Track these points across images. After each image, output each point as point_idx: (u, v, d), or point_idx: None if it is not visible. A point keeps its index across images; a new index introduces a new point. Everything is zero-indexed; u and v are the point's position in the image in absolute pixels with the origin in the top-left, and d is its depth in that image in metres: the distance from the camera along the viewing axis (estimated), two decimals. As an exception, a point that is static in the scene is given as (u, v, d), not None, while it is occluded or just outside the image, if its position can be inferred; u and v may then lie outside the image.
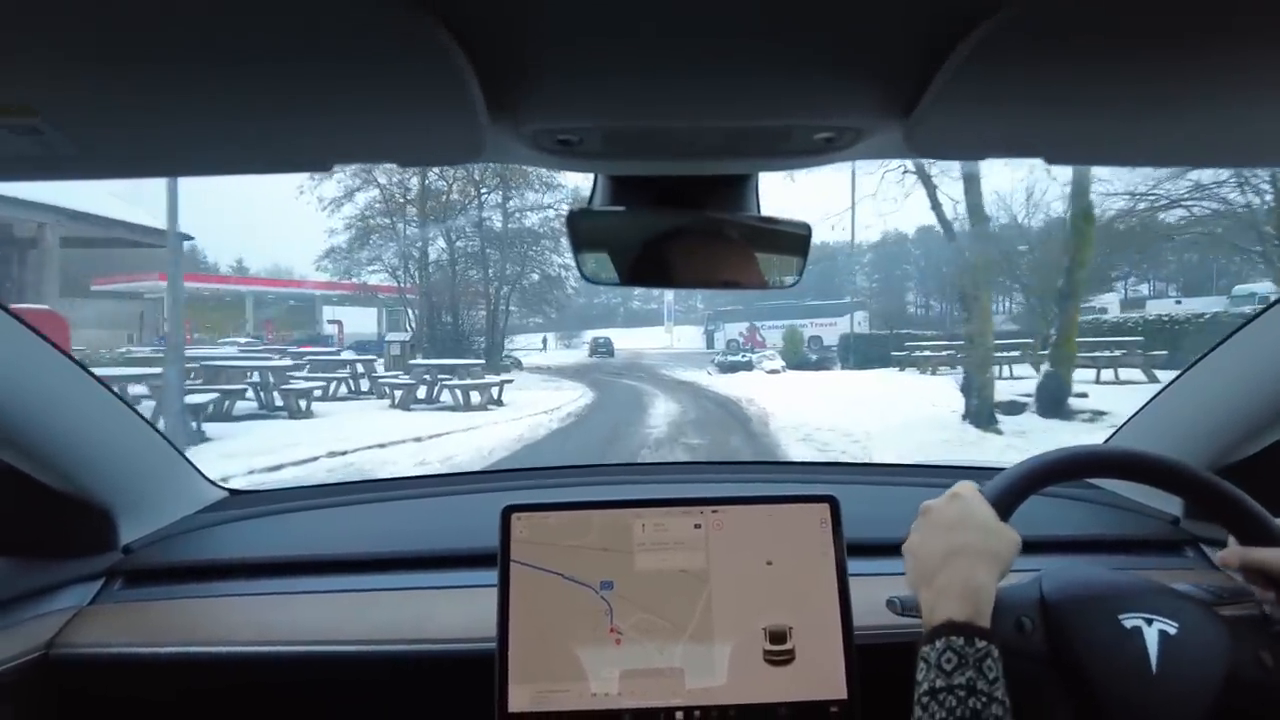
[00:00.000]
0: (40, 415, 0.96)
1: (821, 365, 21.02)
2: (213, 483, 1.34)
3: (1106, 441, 1.32)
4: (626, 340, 36.53)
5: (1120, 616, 0.70)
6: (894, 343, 19.79)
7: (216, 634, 0.98)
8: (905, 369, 17.24)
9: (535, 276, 19.49)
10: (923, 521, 0.75)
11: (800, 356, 22.25)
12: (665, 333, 38.99)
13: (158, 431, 1.19)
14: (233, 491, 1.36)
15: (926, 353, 16.92)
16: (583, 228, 0.82)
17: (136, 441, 1.16)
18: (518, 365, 19.06)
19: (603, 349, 30.25)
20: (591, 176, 0.80)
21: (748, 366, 20.36)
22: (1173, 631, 0.69)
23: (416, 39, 0.42)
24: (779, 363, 20.62)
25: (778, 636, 0.89)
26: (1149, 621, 0.70)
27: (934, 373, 15.35)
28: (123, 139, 0.57)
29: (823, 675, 0.86)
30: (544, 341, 32.42)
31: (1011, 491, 0.75)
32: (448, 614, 0.99)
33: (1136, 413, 1.26)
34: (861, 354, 20.37)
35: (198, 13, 0.39)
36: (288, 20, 0.40)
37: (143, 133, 0.56)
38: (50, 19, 0.39)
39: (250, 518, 1.29)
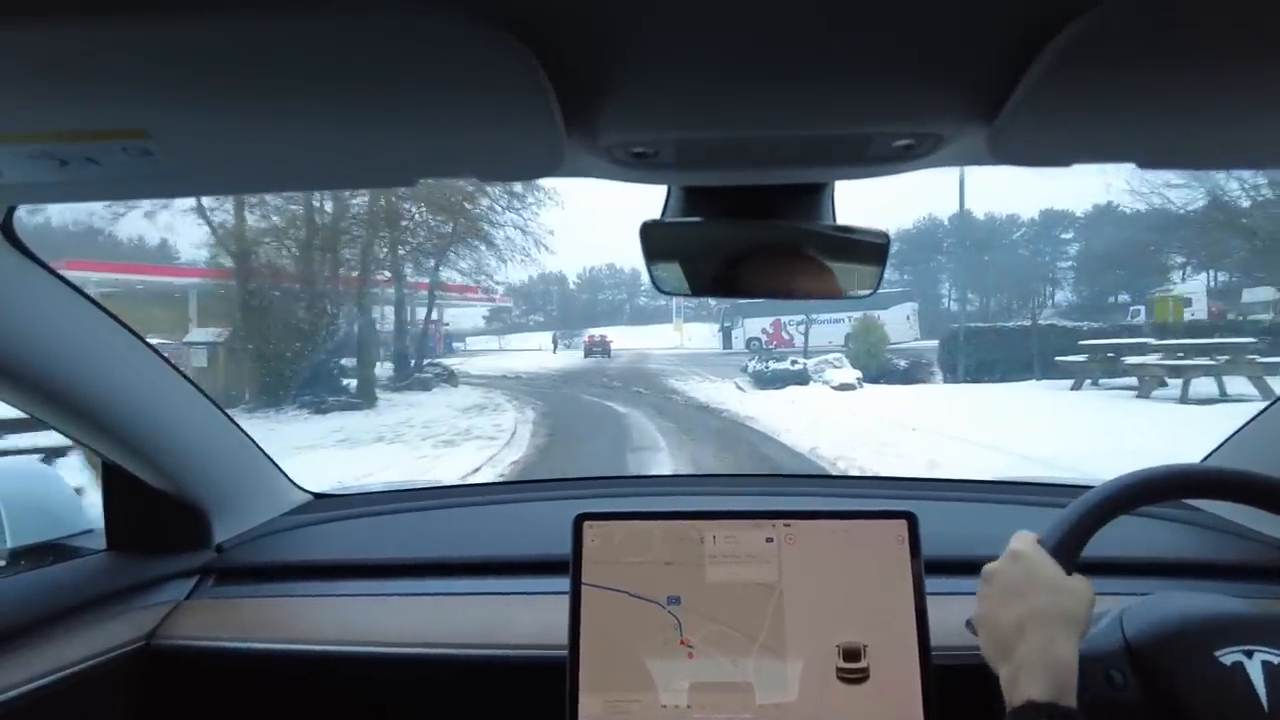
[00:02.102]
0: (144, 418, 0.99)
1: (914, 376, 14.92)
2: (298, 486, 1.35)
3: (1205, 460, 1.16)
4: (631, 339, 33.97)
5: (1217, 653, 0.64)
6: (1044, 340, 13.42)
7: (301, 632, 1.00)
8: (1080, 383, 11.15)
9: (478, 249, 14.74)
10: (987, 590, 0.69)
11: (880, 362, 15.63)
12: (674, 331, 36.13)
13: (247, 436, 1.21)
14: (317, 495, 1.37)
15: (1154, 359, 10.15)
16: (656, 238, 0.79)
17: (228, 444, 1.18)
18: (446, 379, 14.50)
19: (598, 349, 27.66)
20: (665, 188, 0.76)
21: (800, 378, 14.05)
22: (1277, 661, 0.63)
23: (499, 59, 0.43)
24: (851, 373, 13.94)
25: (852, 654, 0.83)
26: (1249, 654, 0.64)
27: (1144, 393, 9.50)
28: (223, 159, 0.58)
29: (898, 695, 0.80)
30: (554, 342, 31.53)
31: (1073, 534, 0.69)
32: (521, 620, 0.97)
33: (1239, 430, 1.13)
34: (978, 359, 14.20)
35: (297, 42, 0.41)
36: (378, 45, 0.42)
37: (242, 153, 0.57)
38: (162, 48, 0.41)
39: (333, 520, 1.29)
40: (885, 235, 0.78)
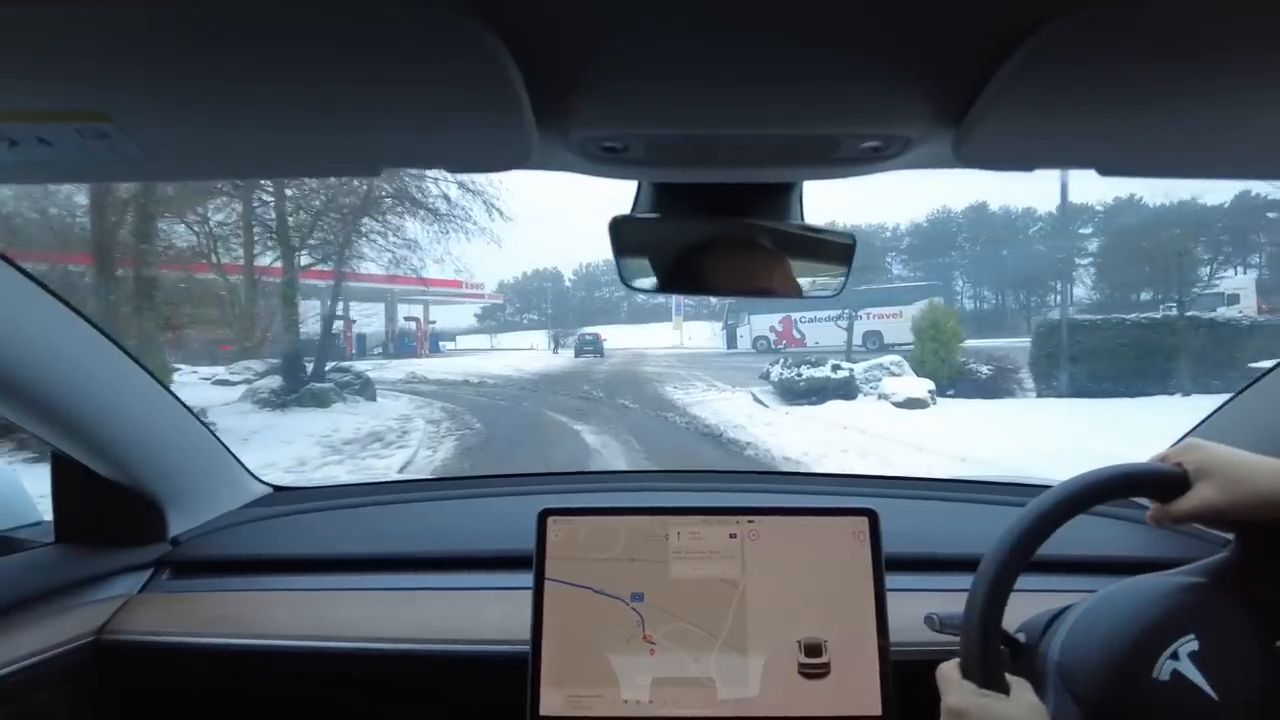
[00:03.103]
0: (97, 408, 0.98)
1: (992, 389, 10.70)
2: (258, 479, 1.34)
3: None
4: (628, 338, 31.81)
5: (1150, 673, 0.65)
6: (1189, 337, 9.68)
7: (258, 627, 1.00)
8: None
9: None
10: None
11: (954, 367, 11.40)
12: (674, 329, 34.38)
13: (206, 427, 1.20)
14: (277, 488, 1.36)
15: None
16: (625, 234, 0.79)
17: (185, 436, 1.16)
18: (358, 390, 10.91)
19: (589, 348, 25.52)
20: (635, 183, 0.78)
21: (845, 390, 10.36)
22: (1196, 646, 0.65)
23: (469, 47, 0.42)
24: (918, 383, 9.99)
25: (813, 649, 0.85)
26: (1176, 655, 0.65)
27: None
28: (185, 144, 0.57)
29: (858, 690, 0.83)
30: (554, 341, 30.09)
31: (986, 653, 0.66)
32: (483, 615, 0.98)
33: (1199, 424, 1.16)
34: (1091, 363, 10.28)
35: (263, 24, 0.40)
36: (346, 30, 0.41)
37: (205, 139, 0.57)
38: (126, 30, 0.41)
39: (293, 514, 1.28)
40: (851, 236, 0.80)
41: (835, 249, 0.81)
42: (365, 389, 10.76)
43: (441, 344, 31.92)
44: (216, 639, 0.98)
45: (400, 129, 0.55)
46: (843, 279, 0.82)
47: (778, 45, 0.45)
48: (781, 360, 11.66)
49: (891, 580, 0.87)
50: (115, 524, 1.10)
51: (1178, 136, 0.55)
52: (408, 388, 13.89)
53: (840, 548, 0.88)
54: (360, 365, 12.68)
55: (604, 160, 0.63)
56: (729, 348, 24.44)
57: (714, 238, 0.80)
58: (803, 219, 0.78)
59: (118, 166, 0.60)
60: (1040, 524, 0.68)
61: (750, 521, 0.89)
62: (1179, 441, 0.80)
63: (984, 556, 0.68)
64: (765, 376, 11.54)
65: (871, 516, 0.89)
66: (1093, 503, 0.70)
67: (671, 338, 31.54)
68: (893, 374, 9.90)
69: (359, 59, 0.44)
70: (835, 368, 10.48)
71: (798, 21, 0.43)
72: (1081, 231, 35.99)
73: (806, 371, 10.41)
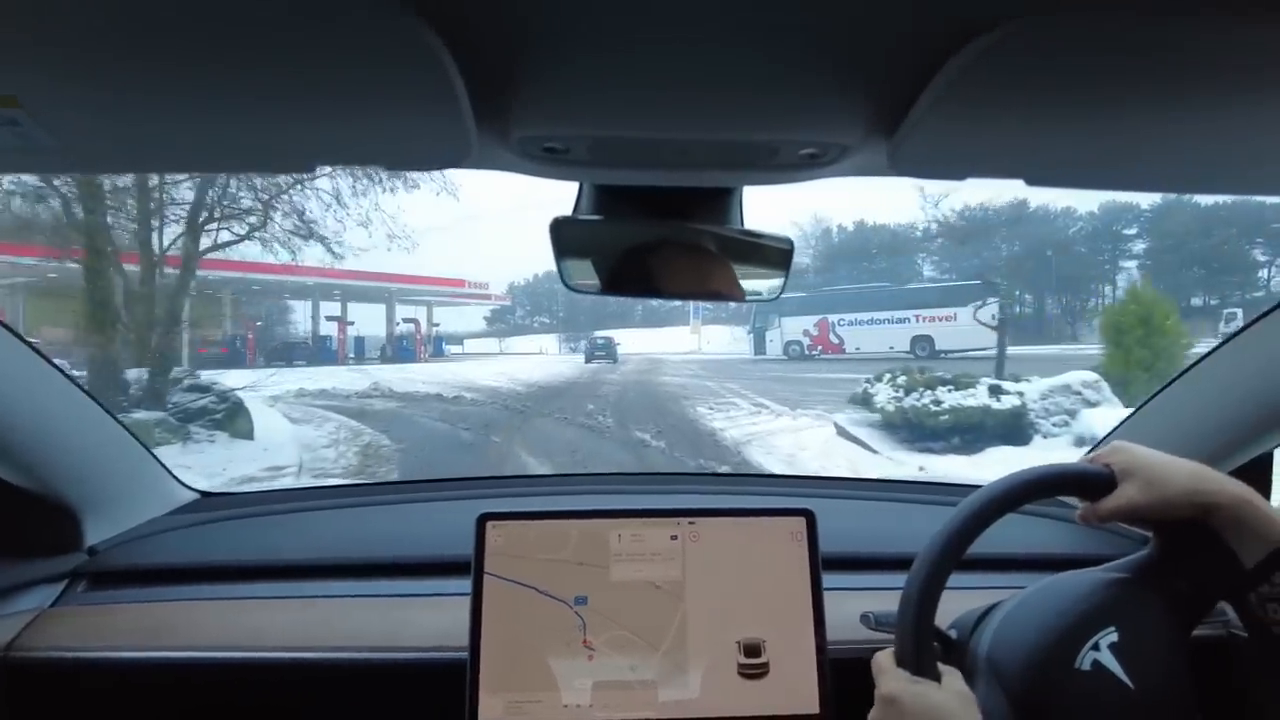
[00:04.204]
0: (3, 410, 0.95)
1: None
2: (184, 484, 1.31)
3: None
4: (642, 342, 29.17)
5: (1073, 664, 0.69)
6: None
7: (181, 639, 0.98)
8: None
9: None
10: None
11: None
12: (690, 333, 31.64)
13: (127, 430, 1.17)
14: (204, 494, 1.33)
15: None
16: (566, 235, 0.81)
17: (104, 439, 1.13)
18: (217, 420, 7.37)
19: (601, 352, 21.93)
20: (576, 185, 0.82)
21: (1013, 428, 6.51)
22: (1116, 637, 0.70)
23: (405, 42, 0.42)
24: None
25: (751, 650, 0.88)
26: (1095, 646, 0.69)
27: None
28: (102, 134, 0.56)
29: (796, 689, 0.87)
30: (561, 344, 30.76)
31: (919, 647, 0.70)
32: (420, 622, 0.99)
33: (1122, 422, 1.22)
34: None
35: (188, 11, 0.40)
36: (272, 18, 0.40)
37: (123, 129, 0.55)
38: (35, 11, 0.39)
39: (220, 520, 1.25)
40: (789, 241, 0.84)
41: (774, 253, 0.84)
42: (233, 419, 6.67)
43: (447, 348, 30.39)
44: (135, 652, 0.95)
45: (335, 124, 0.54)
46: (781, 282, 0.86)
47: (717, 51, 0.47)
48: (890, 375, 7.45)
49: (828, 579, 0.91)
50: (25, 534, 1.05)
51: (1105, 148, 0.58)
52: (355, 403, 11.53)
53: (779, 548, 0.91)
54: (235, 380, 8.99)
55: (545, 161, 0.64)
56: (757, 353, 22.00)
57: (655, 240, 0.82)
58: (743, 223, 0.81)
59: (29, 157, 0.58)
60: (972, 523, 0.73)
61: (691, 523, 0.92)
62: (1104, 441, 0.93)
63: (918, 555, 0.73)
64: (862, 401, 7.38)
65: (809, 517, 0.92)
66: (1022, 501, 0.74)
67: (689, 342, 29.50)
68: (1089, 402, 5.65)
69: (291, 49, 0.43)
70: (995, 391, 6.17)
71: (737, 28, 0.44)
72: (1125, 232, 35.18)
73: (948, 396, 6.16)
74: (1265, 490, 1.00)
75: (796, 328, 20.29)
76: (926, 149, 0.57)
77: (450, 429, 9.25)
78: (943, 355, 17.76)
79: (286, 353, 22.53)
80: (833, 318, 19.83)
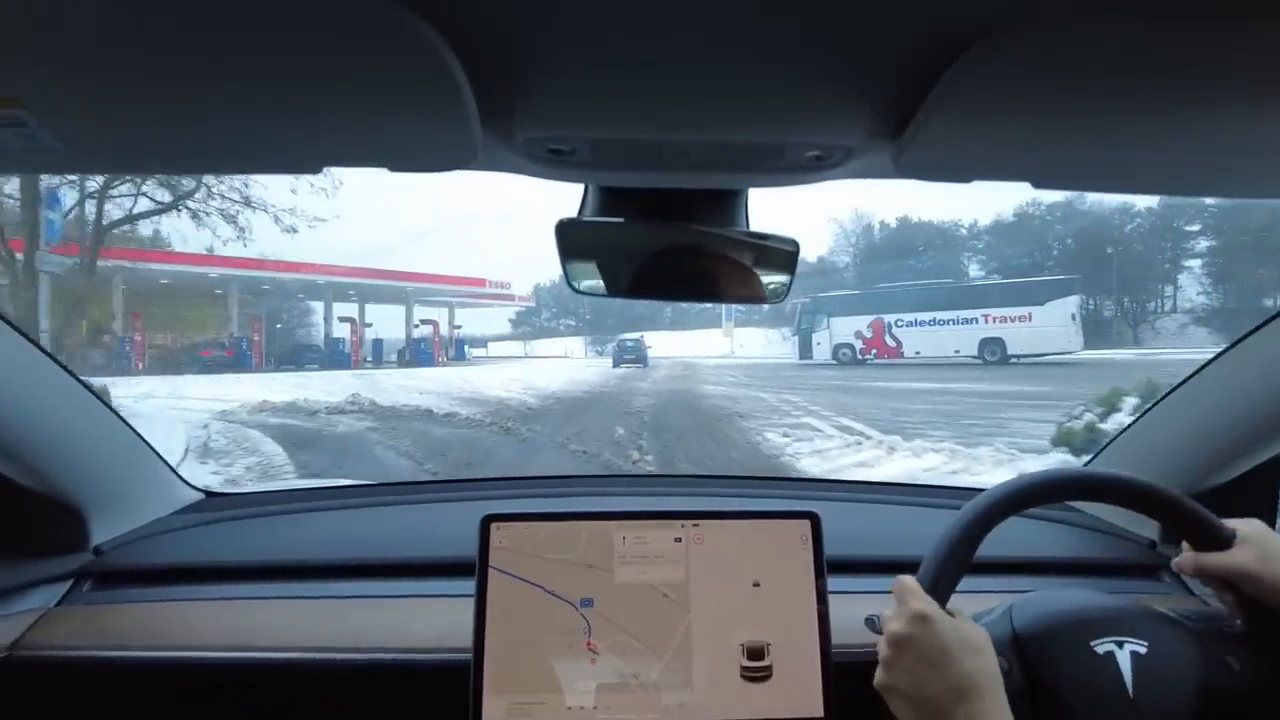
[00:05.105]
0: (9, 409, 0.96)
1: None
2: (189, 484, 1.31)
3: (1088, 463, 1.30)
4: (673, 345, 26.90)
5: (1093, 643, 0.72)
6: None
7: (186, 638, 0.99)
8: None
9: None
10: (902, 659, 0.69)
11: None
12: (723, 336, 28.63)
13: (133, 430, 1.18)
14: (209, 494, 1.32)
15: None
16: (571, 237, 0.81)
17: (110, 439, 1.14)
18: None
19: (630, 355, 19.73)
20: (581, 187, 0.82)
21: None
22: (1143, 651, 0.71)
23: (412, 45, 0.42)
24: None
25: (755, 653, 0.87)
26: (1120, 645, 0.71)
27: None
28: (109, 136, 0.56)
29: (800, 692, 0.87)
30: (589, 348, 29.17)
31: (953, 570, 0.73)
32: (424, 622, 0.99)
33: (1116, 436, 1.21)
34: None
35: (196, 14, 0.40)
36: (280, 21, 0.41)
37: (130, 130, 0.55)
38: (43, 14, 0.40)
39: (225, 520, 1.24)
40: (795, 243, 0.84)
41: (780, 255, 0.84)
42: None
43: (470, 350, 29.12)
44: (140, 651, 0.96)
45: (342, 127, 0.55)
46: (787, 283, 0.86)
47: (722, 54, 0.47)
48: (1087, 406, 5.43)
49: (833, 582, 0.91)
50: (31, 533, 1.06)
51: (1110, 151, 0.59)
52: (317, 422, 9.51)
53: (783, 551, 0.92)
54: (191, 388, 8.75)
55: (550, 163, 0.65)
56: (802, 358, 19.86)
57: (661, 242, 0.83)
58: (748, 225, 0.82)
59: (35, 158, 0.58)
60: (1057, 486, 0.75)
61: (695, 525, 0.93)
62: (1107, 447, 1.05)
63: (985, 492, 0.78)
64: (1065, 441, 4.56)
65: (814, 519, 0.92)
66: (1125, 502, 0.76)
67: (721, 345, 27.82)
68: None
69: (298, 53, 0.43)
70: None
71: (742, 32, 0.45)
72: (1187, 229, 33.00)
73: None
74: (1271, 501, 1.04)
75: (847, 329, 18.63)
76: (931, 152, 0.57)
77: (413, 468, 7.05)
78: (1014, 360, 16.02)
79: (296, 356, 20.88)
80: (889, 318, 18.01)
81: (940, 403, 10.06)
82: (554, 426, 9.33)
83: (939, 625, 0.66)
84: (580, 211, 0.78)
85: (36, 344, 0.95)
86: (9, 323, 0.91)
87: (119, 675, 0.92)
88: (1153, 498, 0.72)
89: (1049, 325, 16.30)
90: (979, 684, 0.64)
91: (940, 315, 17.49)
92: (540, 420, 9.82)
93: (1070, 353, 17.01)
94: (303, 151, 0.59)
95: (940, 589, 0.70)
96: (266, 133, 0.54)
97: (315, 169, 0.61)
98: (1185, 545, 0.75)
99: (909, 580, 0.71)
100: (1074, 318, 17.75)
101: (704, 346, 28.43)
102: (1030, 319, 16.45)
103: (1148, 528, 1.13)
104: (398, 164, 0.62)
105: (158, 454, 1.20)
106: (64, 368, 1.01)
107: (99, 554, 1.08)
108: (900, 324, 18.19)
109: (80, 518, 1.05)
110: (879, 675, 0.71)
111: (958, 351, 17.27)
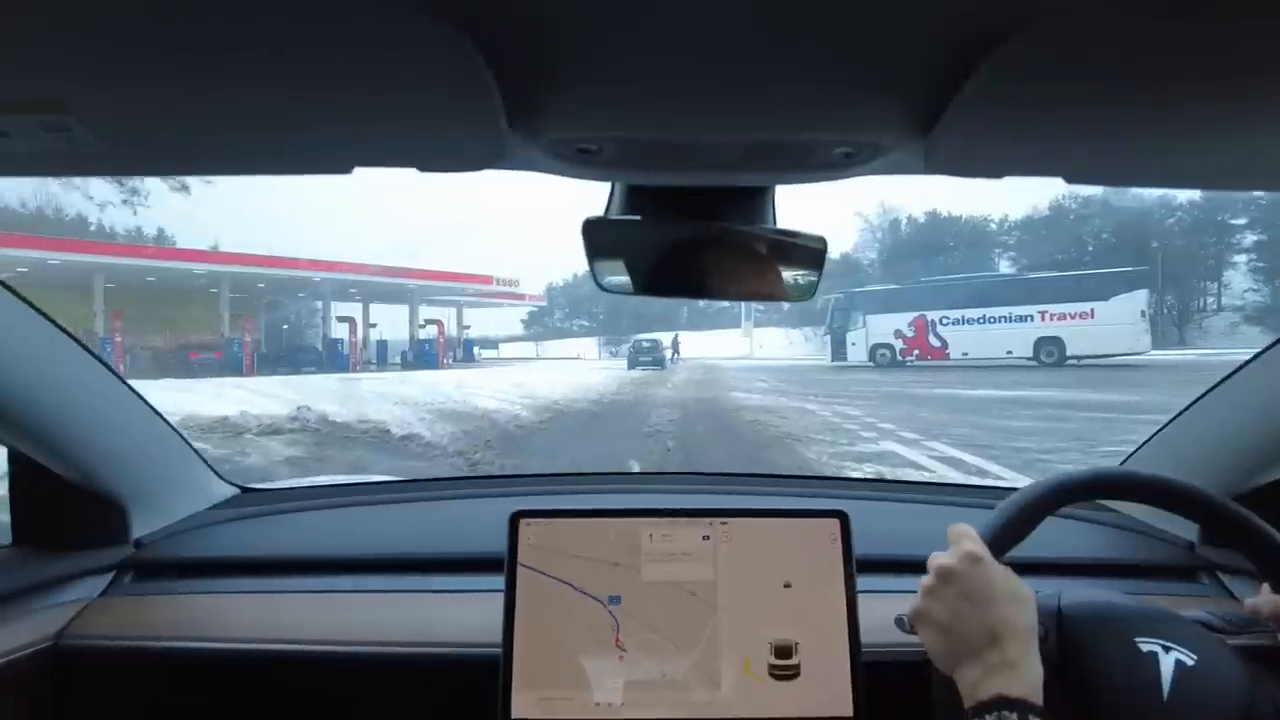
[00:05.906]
0: (57, 407, 0.99)
1: None
2: (225, 479, 1.33)
3: (1123, 463, 1.25)
4: (690, 346, 24.83)
5: (1136, 640, 0.71)
6: None
7: (224, 630, 1.01)
8: None
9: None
10: (944, 589, 0.69)
11: None
12: (743, 336, 27.29)
13: (171, 427, 1.20)
14: (244, 489, 1.35)
15: None
16: (599, 236, 0.81)
17: (150, 436, 1.16)
18: None
19: (647, 357, 18.30)
20: (608, 185, 0.83)
21: None
22: (1190, 663, 0.69)
23: (441, 47, 0.43)
24: None
25: (783, 651, 0.87)
26: (1166, 649, 0.70)
27: None
28: (147, 138, 0.57)
29: (829, 692, 0.87)
30: (602, 349, 28.33)
31: (1009, 533, 0.73)
32: (455, 618, 1.01)
33: (1155, 434, 1.17)
34: None
35: (232, 20, 0.41)
36: (314, 26, 0.42)
37: (168, 132, 0.57)
38: (84, 17, 0.40)
39: (261, 515, 1.27)
40: (823, 240, 0.83)
41: (808, 252, 0.83)
42: None
43: (480, 352, 28.10)
44: (180, 643, 0.99)
45: (373, 129, 0.56)
46: (815, 281, 0.85)
47: (750, 52, 0.46)
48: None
49: (862, 582, 0.91)
50: (76, 526, 1.10)
51: (1144, 145, 0.58)
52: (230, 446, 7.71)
53: (812, 549, 0.91)
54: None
55: (577, 162, 0.65)
56: (835, 359, 17.91)
57: (688, 240, 0.82)
58: (775, 222, 0.81)
59: (76, 161, 0.59)
60: (1133, 485, 0.74)
61: (723, 523, 0.93)
62: (1136, 453, 1.00)
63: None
64: None
65: (843, 518, 0.92)
66: (1204, 519, 0.76)
67: (740, 345, 26.91)
68: None
69: (329, 58, 0.44)
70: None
71: (770, 29, 0.44)
72: (1232, 222, 31.24)
73: None
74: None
75: (886, 328, 16.79)
76: (963, 147, 0.57)
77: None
78: (1072, 361, 14.42)
79: (291, 358, 19.20)
80: (932, 315, 16.18)
81: (1041, 417, 7.93)
82: (544, 453, 7.15)
83: (990, 568, 0.67)
84: (607, 210, 0.78)
85: (79, 342, 0.97)
86: (54, 322, 0.93)
87: (159, 666, 0.95)
88: (1245, 526, 0.69)
89: (1115, 323, 14.65)
90: (1017, 631, 0.64)
91: (990, 312, 15.87)
92: (524, 446, 7.55)
93: (1139, 354, 14.81)
94: (335, 153, 0.60)
95: (997, 543, 0.71)
96: (301, 137, 0.55)
97: (346, 169, 0.62)
98: (1265, 588, 0.74)
99: (965, 525, 0.72)
100: (1143, 314, 15.71)
101: (722, 347, 27.30)
102: (1093, 316, 14.84)
103: (1186, 528, 1.12)
104: (427, 164, 0.63)
105: (194, 449, 1.23)
106: (106, 366, 1.03)
107: (139, 547, 1.11)
108: (945, 322, 16.52)
109: (121, 511, 1.08)
110: (916, 601, 0.70)
111: (1010, 352, 15.71)
